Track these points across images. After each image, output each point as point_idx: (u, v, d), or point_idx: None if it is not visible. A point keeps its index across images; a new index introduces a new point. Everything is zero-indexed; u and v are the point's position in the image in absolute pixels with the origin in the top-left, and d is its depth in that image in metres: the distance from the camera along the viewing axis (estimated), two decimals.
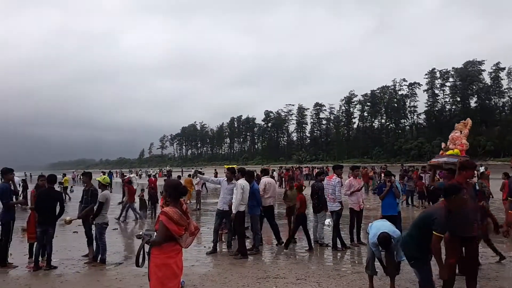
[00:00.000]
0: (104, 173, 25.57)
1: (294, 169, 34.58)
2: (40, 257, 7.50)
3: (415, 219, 4.87)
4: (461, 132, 7.43)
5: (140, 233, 4.07)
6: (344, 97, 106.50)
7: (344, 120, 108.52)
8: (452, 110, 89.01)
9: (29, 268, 7.46)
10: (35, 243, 7.72)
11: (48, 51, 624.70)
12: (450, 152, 7.06)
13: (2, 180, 8.25)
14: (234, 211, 7.95)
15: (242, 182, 8.03)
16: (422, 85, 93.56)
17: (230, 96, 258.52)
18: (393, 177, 9.00)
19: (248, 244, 8.63)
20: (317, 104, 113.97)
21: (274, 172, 27.32)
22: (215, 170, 46.00)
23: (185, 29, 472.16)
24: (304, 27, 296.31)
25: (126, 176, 24.34)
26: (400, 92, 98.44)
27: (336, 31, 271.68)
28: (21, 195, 16.37)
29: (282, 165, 73.63)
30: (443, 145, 7.66)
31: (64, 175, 28.97)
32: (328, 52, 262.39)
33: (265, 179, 9.54)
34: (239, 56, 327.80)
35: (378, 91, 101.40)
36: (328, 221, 11.50)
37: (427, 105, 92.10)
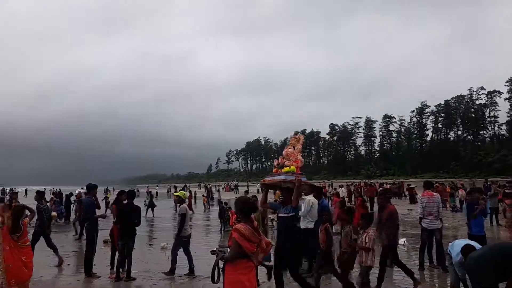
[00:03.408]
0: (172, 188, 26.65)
1: (364, 184, 33.40)
2: (120, 268, 7.94)
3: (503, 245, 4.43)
4: (294, 147, 6.68)
5: (214, 249, 4.14)
6: (416, 108, 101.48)
7: (416, 132, 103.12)
8: None
9: (111, 278, 7.92)
10: (116, 255, 8.20)
11: (129, 74, 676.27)
12: (286, 169, 6.26)
13: (87, 195, 8.95)
14: (302, 226, 7.81)
15: (311, 198, 7.88)
16: (503, 93, 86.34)
17: (295, 111, 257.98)
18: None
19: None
20: (386, 116, 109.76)
21: (342, 188, 26.56)
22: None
23: (256, 48, 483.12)
24: (375, 38, 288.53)
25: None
26: (477, 102, 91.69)
27: (407, 40, 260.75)
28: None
29: (350, 180, 71.61)
30: (276, 161, 6.76)
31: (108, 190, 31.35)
32: (398, 62, 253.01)
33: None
34: (309, 71, 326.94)
35: (452, 101, 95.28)
36: (403, 240, 10.91)
37: (509, 114, 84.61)
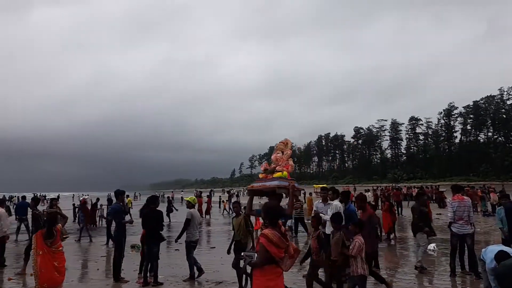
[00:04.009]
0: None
1: (390, 188, 32.76)
2: (148, 273, 8.04)
3: None
4: (283, 152, 6.36)
5: (242, 254, 4.13)
6: (443, 110, 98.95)
7: (444, 134, 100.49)
8: None
9: (139, 283, 8.03)
10: (144, 260, 8.31)
11: (154, 80, 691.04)
12: (278, 174, 5.93)
13: (115, 201, 9.13)
14: (327, 232, 7.71)
15: (337, 203, 7.77)
16: None
17: (319, 115, 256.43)
18: None
19: None
20: (412, 118, 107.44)
21: (368, 192, 26.11)
22: (303, 190, 45.81)
23: (279, 51, 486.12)
24: (400, 39, 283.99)
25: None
26: (508, 102, 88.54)
27: (433, 40, 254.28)
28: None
29: (376, 184, 70.38)
30: (262, 166, 6.37)
31: (128, 196, 31.67)
32: (424, 63, 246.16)
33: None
34: (331, 73, 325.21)
35: (482, 102, 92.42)
36: (433, 245, 10.62)
37: None
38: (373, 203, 23.64)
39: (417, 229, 8.69)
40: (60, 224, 6.14)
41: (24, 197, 18.04)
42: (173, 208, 23.78)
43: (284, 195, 5.67)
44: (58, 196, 21.27)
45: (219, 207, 32.99)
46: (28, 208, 16.62)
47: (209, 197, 28.43)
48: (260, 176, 6.12)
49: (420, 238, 8.64)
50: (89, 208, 19.96)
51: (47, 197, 52.74)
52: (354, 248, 5.71)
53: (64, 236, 8.93)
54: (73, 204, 21.39)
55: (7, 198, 38.42)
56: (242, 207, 8.06)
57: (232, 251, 7.65)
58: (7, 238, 9.88)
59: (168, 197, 34.29)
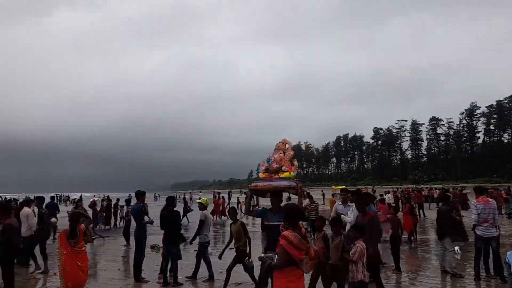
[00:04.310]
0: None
1: (411, 190, 32.22)
2: (168, 273, 8.11)
3: None
4: (284, 153, 6.15)
5: (262, 255, 4.13)
6: (465, 110, 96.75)
7: (466, 135, 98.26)
8: None
9: (159, 283, 8.12)
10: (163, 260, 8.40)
11: (173, 82, 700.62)
12: (286, 174, 5.80)
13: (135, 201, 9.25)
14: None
15: None
16: None
17: (337, 115, 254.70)
18: None
19: None
20: (433, 119, 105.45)
21: (389, 194, 25.71)
22: (322, 191, 45.63)
23: (298, 52, 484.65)
24: (420, 38, 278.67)
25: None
26: None
27: (455, 39, 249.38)
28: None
29: (396, 186, 69.35)
30: (264, 166, 6.22)
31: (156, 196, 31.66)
32: (445, 62, 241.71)
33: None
34: (350, 73, 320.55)
35: (505, 102, 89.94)
36: (456, 248, 10.40)
37: None
38: (394, 205, 23.30)
39: (446, 233, 8.47)
40: (83, 225, 6.27)
41: (52, 198, 18.60)
42: (189, 209, 23.94)
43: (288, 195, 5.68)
44: (81, 197, 21.72)
45: (237, 208, 33.06)
46: (55, 208, 17.26)
47: (223, 198, 28.47)
48: (262, 175, 6.01)
49: (448, 243, 8.44)
50: (99, 209, 20.43)
51: (70, 198, 53.97)
52: (355, 253, 5.45)
53: (92, 238, 9.12)
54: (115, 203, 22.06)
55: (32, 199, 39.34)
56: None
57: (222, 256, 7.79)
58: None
59: (184, 198, 34.65)
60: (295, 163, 6.11)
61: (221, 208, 26.36)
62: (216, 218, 24.82)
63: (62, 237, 5.90)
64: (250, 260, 7.23)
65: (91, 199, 20.81)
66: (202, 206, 8.78)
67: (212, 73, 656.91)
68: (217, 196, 30.19)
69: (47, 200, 13.15)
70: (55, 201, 18.79)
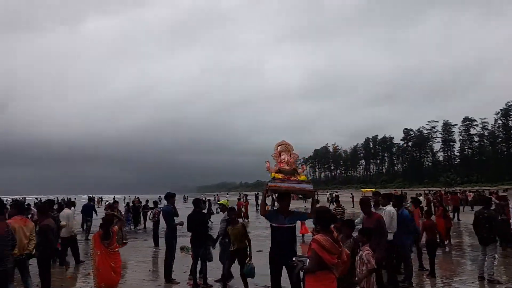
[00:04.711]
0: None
1: (443, 193, 31.26)
2: (198, 275, 8.17)
3: None
4: (290, 154, 6.06)
5: (294, 259, 4.09)
6: (500, 110, 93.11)
7: (502, 136, 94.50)
8: None
9: (189, 284, 8.17)
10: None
11: (198, 85, 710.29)
12: (303, 178, 5.86)
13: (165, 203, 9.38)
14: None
15: (391, 208, 7.50)
16: None
17: (365, 116, 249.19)
18: None
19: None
20: (466, 119, 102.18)
21: (420, 197, 25.00)
22: (351, 194, 44.93)
23: (324, 52, 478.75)
24: (451, 35, 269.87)
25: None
26: None
27: (487, 36, 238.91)
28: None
29: (428, 188, 67.54)
30: (276, 167, 5.96)
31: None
32: (477, 60, 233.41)
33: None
34: (379, 73, 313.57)
35: None
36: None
37: None
38: (426, 208, 22.66)
39: (492, 239, 8.13)
40: (116, 226, 6.40)
41: (90, 199, 19.45)
42: (212, 211, 24.11)
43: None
44: (114, 199, 22.35)
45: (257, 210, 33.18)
46: (93, 209, 17.94)
47: (247, 200, 28.63)
48: (277, 175, 5.87)
49: (492, 249, 8.09)
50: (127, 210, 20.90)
51: (103, 200, 55.66)
52: (370, 261, 5.12)
53: (124, 241, 9.30)
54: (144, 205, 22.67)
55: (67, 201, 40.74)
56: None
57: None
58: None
59: (209, 200, 34.97)
60: (306, 167, 6.13)
61: (244, 210, 26.42)
62: (243, 219, 24.89)
63: (96, 238, 6.05)
64: (251, 262, 7.21)
65: (107, 202, 21.27)
66: (223, 208, 8.82)
67: (239, 75, 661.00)
68: (243, 198, 30.34)
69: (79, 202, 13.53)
70: (92, 203, 19.58)
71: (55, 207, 12.50)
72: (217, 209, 24.34)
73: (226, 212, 8.65)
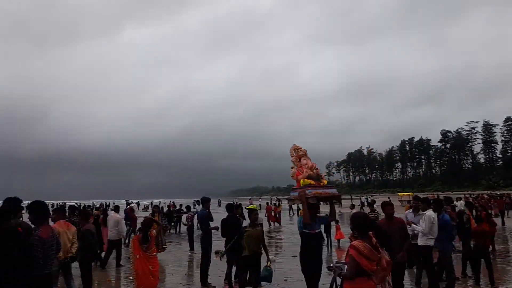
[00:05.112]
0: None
1: (485, 196, 29.92)
2: (233, 279, 8.20)
3: None
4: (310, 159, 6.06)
5: (331, 265, 4.03)
6: None
7: None
8: None
9: None
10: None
11: (234, 91, 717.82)
12: (325, 182, 6.01)
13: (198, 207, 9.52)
14: (419, 243, 7.23)
15: (431, 213, 7.25)
16: None
17: (401, 118, 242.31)
18: None
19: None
20: (508, 119, 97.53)
21: (461, 201, 24.07)
22: (389, 198, 43.74)
23: (359, 55, 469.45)
24: (494, 34, 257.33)
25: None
26: None
27: None
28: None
29: (469, 191, 64.89)
30: (306, 173, 5.93)
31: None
32: None
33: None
34: (416, 74, 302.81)
35: None
36: None
37: None
38: (468, 212, 21.74)
39: None
40: (154, 231, 6.55)
41: (128, 204, 20.13)
42: (244, 216, 24.17)
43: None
44: (152, 203, 22.96)
45: (297, 215, 32.93)
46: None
47: (275, 205, 28.56)
48: (312, 182, 5.92)
49: None
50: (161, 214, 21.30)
51: (140, 204, 57.22)
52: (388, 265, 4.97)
53: (164, 246, 9.48)
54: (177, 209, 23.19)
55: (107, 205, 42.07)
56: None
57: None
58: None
59: (240, 204, 35.08)
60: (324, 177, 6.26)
61: (273, 214, 26.35)
62: (271, 224, 24.79)
63: (135, 242, 6.21)
64: (270, 264, 7.17)
65: (128, 206, 21.71)
66: None
67: (272, 80, 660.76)
68: (277, 202, 30.24)
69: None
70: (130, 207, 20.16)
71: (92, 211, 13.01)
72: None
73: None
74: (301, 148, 6.45)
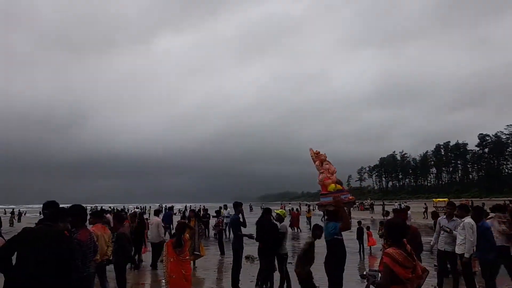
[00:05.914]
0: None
1: None
2: (264, 284, 8.19)
3: None
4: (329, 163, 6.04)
5: (364, 273, 3.96)
6: None
7: None
8: None
9: None
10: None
11: (265, 96, 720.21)
12: (339, 187, 5.97)
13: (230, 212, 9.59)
14: (466, 255, 6.94)
15: (470, 220, 6.97)
16: None
17: (436, 122, 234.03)
18: None
19: None
20: None
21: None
22: (425, 204, 42.34)
23: (395, 57, 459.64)
24: None
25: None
26: None
27: None
28: None
29: (509, 198, 62.01)
30: (334, 178, 6.03)
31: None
32: None
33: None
34: (454, 77, 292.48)
35: None
36: None
37: None
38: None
39: None
40: (187, 235, 6.64)
41: (171, 208, 20.76)
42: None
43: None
44: (186, 207, 23.49)
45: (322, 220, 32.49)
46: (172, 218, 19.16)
47: (297, 210, 28.40)
48: (342, 187, 6.11)
49: None
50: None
51: (174, 208, 58.27)
52: None
53: (195, 252, 9.57)
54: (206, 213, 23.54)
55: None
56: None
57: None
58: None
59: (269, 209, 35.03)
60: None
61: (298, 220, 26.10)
62: (296, 230, 24.52)
63: (169, 246, 6.32)
64: None
65: (132, 211, 22.13)
66: (280, 218, 8.79)
67: (305, 84, 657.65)
68: (308, 208, 30.07)
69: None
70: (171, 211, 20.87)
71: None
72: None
73: (283, 223, 8.63)
74: (319, 152, 6.41)
